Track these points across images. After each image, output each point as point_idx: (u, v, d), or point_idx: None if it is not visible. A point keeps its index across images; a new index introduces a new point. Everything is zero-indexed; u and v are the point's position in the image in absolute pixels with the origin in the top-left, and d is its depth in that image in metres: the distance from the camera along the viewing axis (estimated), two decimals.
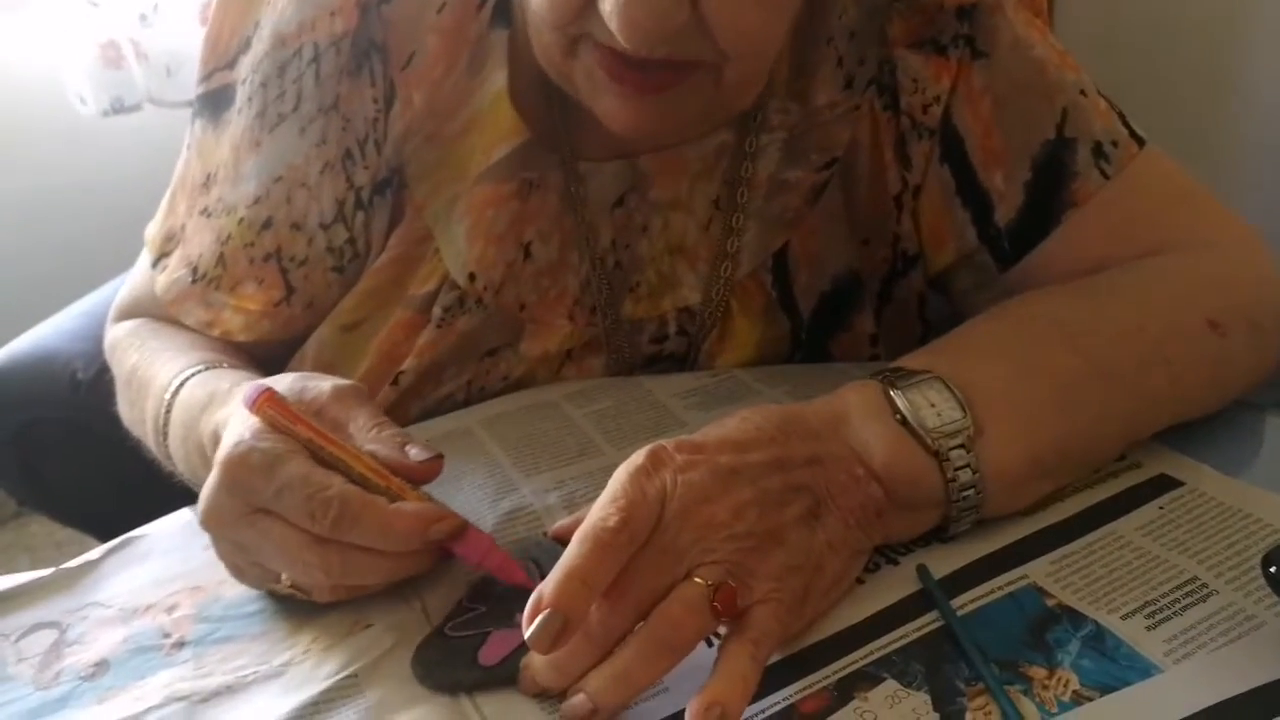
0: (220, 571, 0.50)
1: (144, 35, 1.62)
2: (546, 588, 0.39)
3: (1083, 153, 0.60)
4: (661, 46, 0.49)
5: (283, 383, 0.50)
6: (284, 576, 0.46)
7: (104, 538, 0.56)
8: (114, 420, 0.71)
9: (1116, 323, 0.53)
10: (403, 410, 0.64)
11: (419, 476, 0.48)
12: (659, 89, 0.53)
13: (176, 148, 0.68)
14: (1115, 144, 0.60)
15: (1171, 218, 0.60)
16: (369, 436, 0.49)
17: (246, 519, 0.45)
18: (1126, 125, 0.61)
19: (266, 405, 0.47)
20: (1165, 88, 1.53)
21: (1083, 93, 0.61)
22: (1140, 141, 0.61)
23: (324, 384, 0.51)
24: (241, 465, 0.45)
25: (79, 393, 0.93)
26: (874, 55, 0.63)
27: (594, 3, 0.49)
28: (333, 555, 0.45)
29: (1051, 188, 0.61)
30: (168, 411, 0.60)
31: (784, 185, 0.65)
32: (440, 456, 0.49)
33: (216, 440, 0.51)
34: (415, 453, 0.48)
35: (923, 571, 0.46)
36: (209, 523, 0.46)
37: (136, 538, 0.55)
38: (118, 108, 1.63)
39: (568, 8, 0.50)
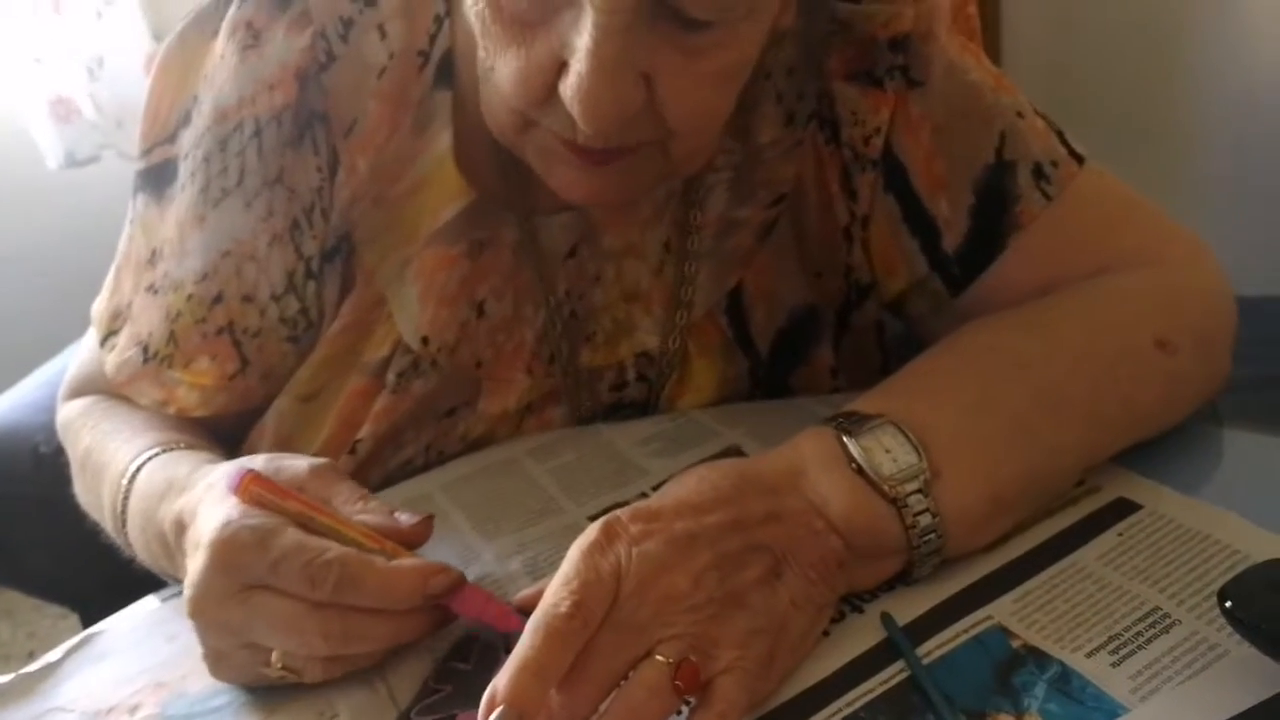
0: (184, 666, 0.50)
1: (93, 88, 1.61)
2: (500, 682, 0.39)
3: (1023, 175, 0.60)
4: (617, 137, 0.50)
5: (256, 463, 0.50)
6: (275, 657, 0.46)
7: (75, 606, 0.55)
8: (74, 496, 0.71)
9: (1066, 350, 0.53)
10: (363, 478, 0.63)
11: (411, 540, 0.49)
12: (611, 160, 0.53)
13: None
14: (1055, 164, 0.60)
15: (1116, 235, 0.61)
16: (355, 509, 0.50)
17: (238, 598, 0.45)
18: (1065, 144, 0.61)
19: (252, 484, 0.47)
20: (1113, 99, 1.54)
21: (1020, 114, 0.61)
22: (1080, 159, 0.61)
23: (299, 463, 0.51)
24: (232, 544, 0.45)
25: (42, 467, 0.92)
26: (812, 89, 0.63)
27: (554, 89, 0.49)
28: (333, 621, 0.45)
29: (995, 212, 0.61)
30: (125, 499, 0.59)
31: (733, 224, 0.65)
32: (430, 518, 0.50)
33: (179, 527, 0.51)
34: (405, 518, 0.49)
35: (888, 620, 0.46)
36: (198, 608, 0.46)
37: (97, 634, 0.54)
38: (71, 161, 1.62)
39: (532, 94, 0.50)
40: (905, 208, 0.63)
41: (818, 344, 0.67)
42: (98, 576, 0.74)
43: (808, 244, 0.66)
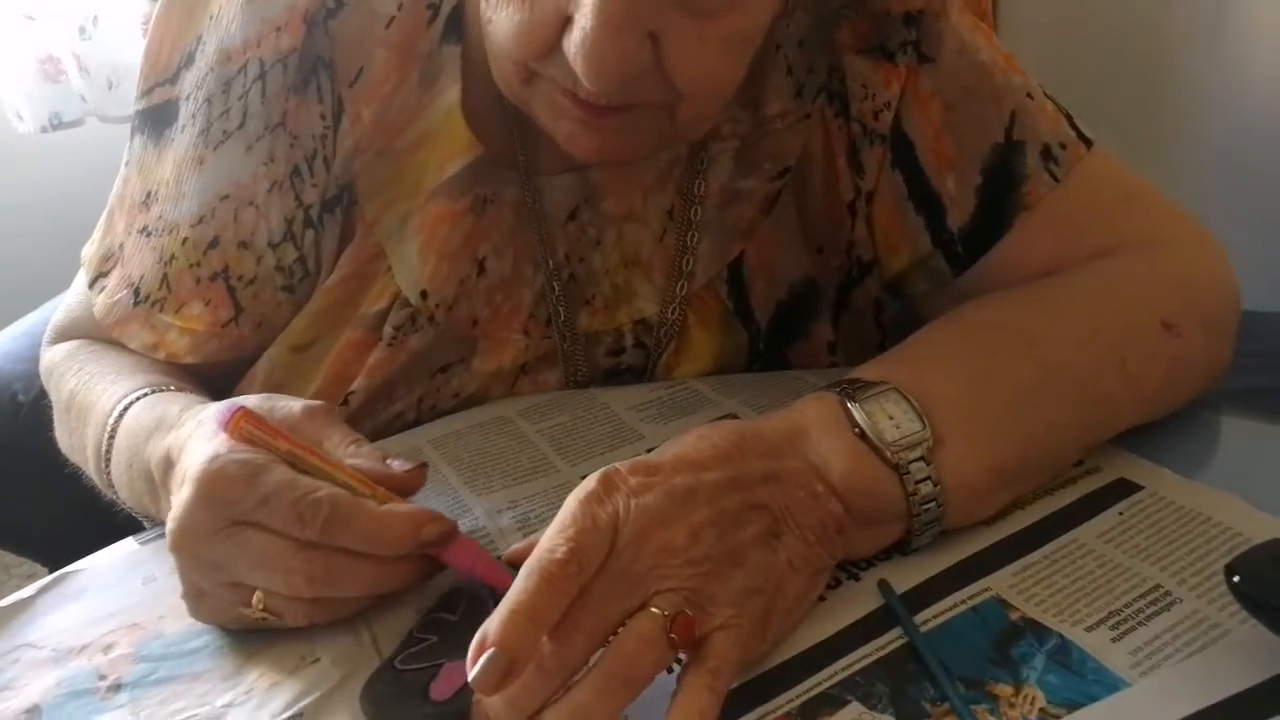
0: (160, 607, 0.49)
1: (84, 48, 1.59)
2: (491, 625, 0.37)
3: (1031, 156, 0.60)
4: (619, 94, 0.49)
5: (250, 403, 0.49)
6: (256, 597, 0.45)
7: (47, 562, 0.54)
8: (53, 446, 0.69)
9: (1071, 327, 0.53)
10: (353, 429, 0.62)
11: (404, 486, 0.48)
12: (615, 114, 0.52)
13: (118, 164, 0.66)
14: (1063, 146, 0.60)
15: (1122, 218, 0.60)
16: (347, 453, 0.48)
17: (223, 533, 0.44)
18: (1074, 127, 0.61)
19: (244, 421, 0.46)
20: (1110, 85, 1.55)
21: (1029, 96, 0.61)
22: (1088, 143, 0.61)
23: (294, 404, 0.50)
24: (219, 478, 0.44)
25: (20, 415, 0.91)
26: (823, 63, 0.63)
27: (557, 43, 0.49)
28: (318, 561, 0.43)
29: (1002, 191, 0.60)
30: (111, 437, 0.57)
31: (737, 195, 0.64)
32: (424, 465, 0.49)
33: (167, 464, 0.50)
34: (398, 464, 0.48)
35: (885, 587, 0.45)
36: (181, 542, 0.44)
37: (72, 573, 0.53)
38: (56, 123, 1.60)
39: (533, 46, 0.50)
40: (911, 184, 0.63)
41: (817, 319, 0.67)
42: (71, 529, 0.73)
43: (811, 218, 0.65)
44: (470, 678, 0.37)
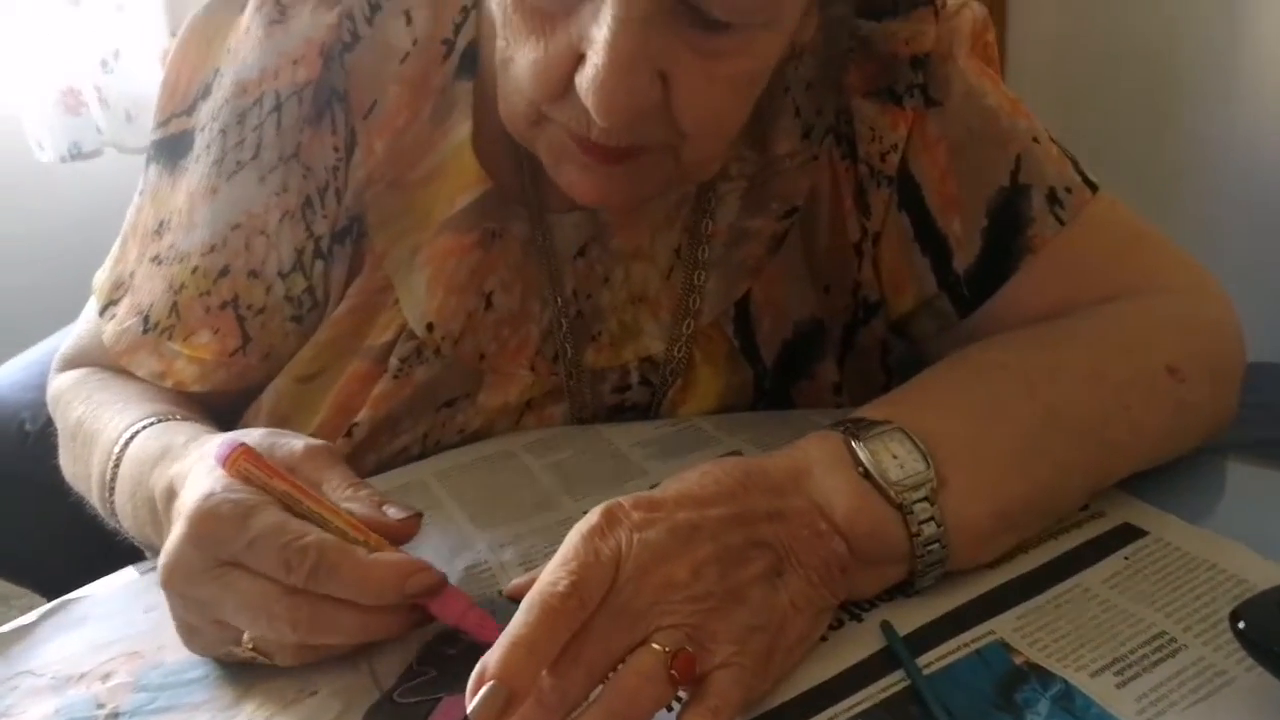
0: (161, 637, 0.48)
1: (105, 81, 1.61)
2: (491, 658, 0.37)
3: (1037, 199, 0.60)
4: (628, 134, 0.50)
5: (252, 438, 0.49)
6: (245, 637, 0.44)
7: (45, 593, 0.54)
8: (59, 475, 0.69)
9: (1076, 371, 0.53)
10: (357, 463, 0.62)
11: (397, 535, 0.47)
12: (619, 160, 0.53)
13: (134, 194, 0.66)
14: (1069, 190, 0.60)
15: (1128, 262, 0.61)
16: (344, 495, 0.48)
17: (212, 573, 0.43)
18: (1079, 171, 0.62)
19: (243, 459, 0.45)
20: (1117, 132, 1.56)
21: (1035, 140, 0.62)
22: (1093, 187, 0.61)
23: (295, 442, 0.50)
24: (211, 517, 0.44)
25: (26, 443, 0.91)
26: (831, 105, 0.63)
27: (571, 83, 0.49)
28: (303, 608, 0.43)
29: (1008, 234, 0.61)
30: (115, 465, 0.58)
31: (745, 234, 0.64)
32: (419, 515, 0.48)
33: (170, 495, 0.50)
34: (393, 511, 0.47)
35: (887, 629, 0.45)
36: (171, 578, 0.44)
37: (74, 600, 0.53)
38: (75, 153, 1.62)
39: (548, 84, 0.50)
40: (917, 226, 0.63)
41: (822, 359, 0.67)
42: (70, 561, 0.73)
43: (818, 258, 0.66)
44: (469, 710, 0.37)
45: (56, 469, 0.70)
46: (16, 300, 1.61)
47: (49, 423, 0.77)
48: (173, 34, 1.59)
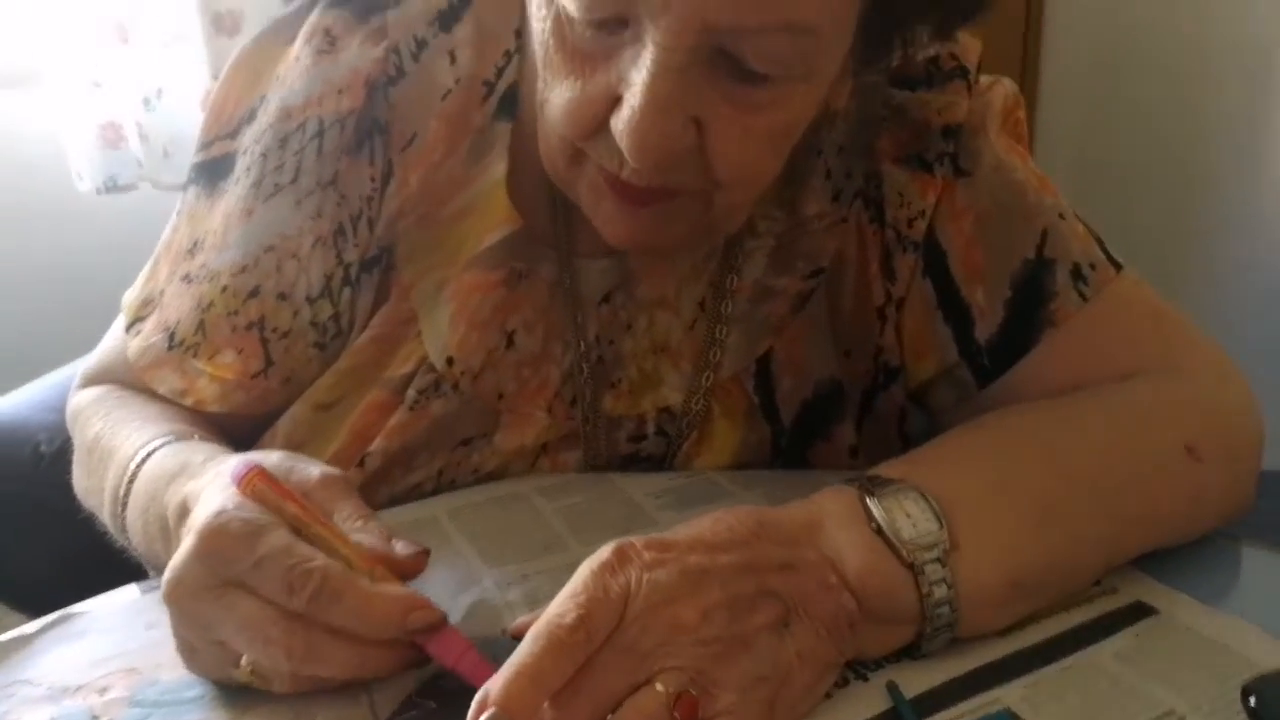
0: (160, 655, 0.48)
1: (146, 118, 1.65)
2: (494, 685, 0.37)
3: (1061, 274, 0.61)
4: (659, 175, 0.51)
5: (269, 460, 0.49)
6: (244, 660, 0.44)
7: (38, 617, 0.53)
8: (73, 496, 0.69)
9: (1095, 442, 0.53)
10: (371, 496, 0.62)
11: (404, 569, 0.47)
12: (654, 202, 0.54)
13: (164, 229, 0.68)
14: (1093, 267, 0.61)
15: (1149, 341, 0.61)
16: (354, 526, 0.48)
17: (215, 591, 0.43)
18: (1104, 250, 0.62)
19: (257, 479, 0.46)
20: (1143, 214, 1.57)
21: (1061, 216, 0.62)
22: (1117, 266, 0.62)
23: (312, 469, 0.50)
24: (221, 534, 0.44)
25: (40, 465, 0.91)
26: (861, 169, 0.64)
27: (605, 123, 0.51)
28: (300, 635, 0.43)
29: (1031, 306, 0.61)
30: (130, 481, 0.58)
31: (769, 291, 0.65)
32: (426, 552, 0.48)
33: (183, 512, 0.50)
34: (401, 547, 0.47)
35: (893, 689, 0.44)
36: (174, 593, 0.44)
37: (75, 614, 0.53)
38: (111, 186, 1.65)
39: (582, 123, 0.51)
40: (941, 294, 0.63)
41: (840, 421, 0.67)
42: (71, 587, 0.73)
43: (841, 320, 0.66)
44: None
45: (68, 493, 0.70)
46: (46, 324, 1.62)
47: (65, 446, 0.77)
48: (214, 76, 1.62)
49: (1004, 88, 0.67)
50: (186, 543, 0.44)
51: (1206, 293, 1.50)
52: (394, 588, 0.45)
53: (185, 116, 1.65)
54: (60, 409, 0.92)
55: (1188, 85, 1.56)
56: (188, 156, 0.68)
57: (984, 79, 0.66)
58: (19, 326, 1.68)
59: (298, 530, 0.45)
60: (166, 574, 0.44)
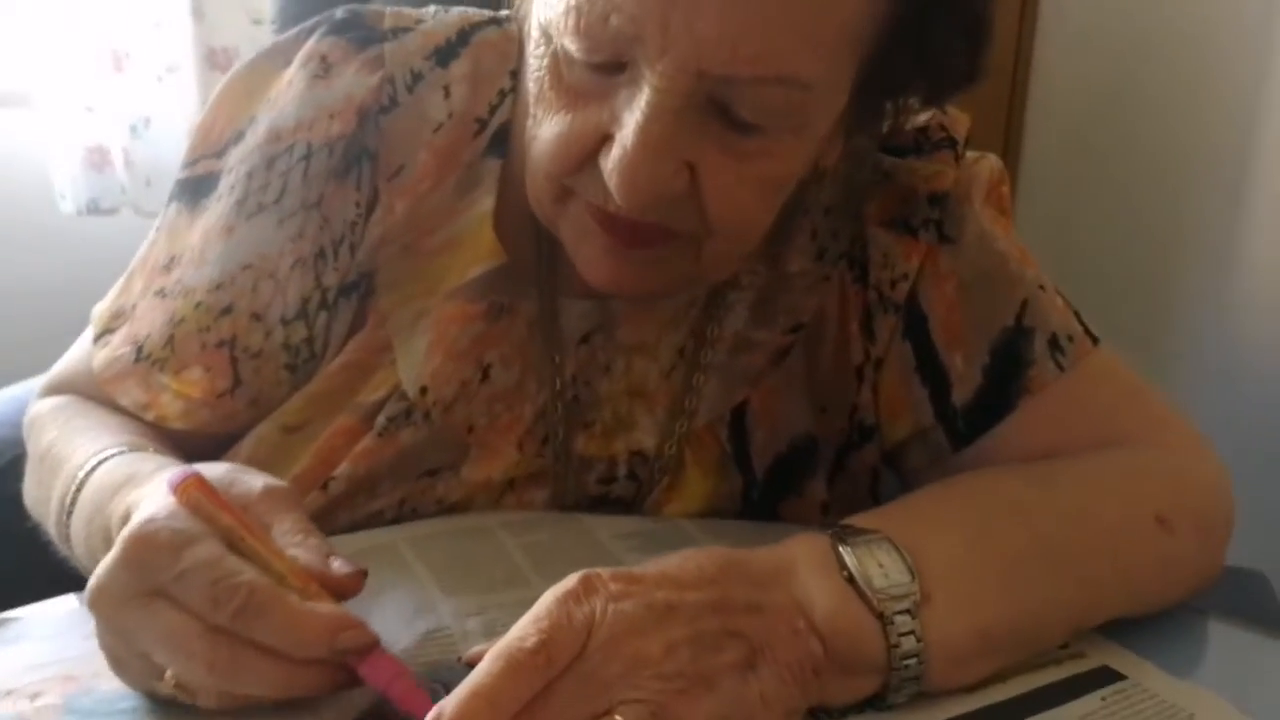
0: (98, 664, 0.46)
1: (133, 145, 1.65)
2: (449, 703, 0.36)
3: (1039, 343, 0.61)
4: (652, 212, 0.51)
5: (214, 472, 0.47)
6: (168, 674, 0.42)
7: None
8: (18, 514, 0.67)
9: (1067, 507, 0.53)
10: (330, 520, 0.61)
11: (340, 589, 0.44)
12: (642, 245, 0.54)
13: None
14: (1070, 339, 0.62)
15: (1123, 414, 0.61)
16: (292, 541, 0.46)
17: (138, 600, 0.41)
18: (1082, 324, 0.63)
19: (193, 488, 0.44)
20: (1120, 290, 1.60)
21: (1042, 288, 0.63)
22: (1094, 340, 0.62)
23: (255, 481, 0.48)
24: (147, 542, 0.42)
25: None
26: (847, 231, 0.65)
27: (591, 160, 0.51)
28: (223, 650, 0.40)
29: (1008, 374, 0.61)
30: (78, 489, 0.56)
31: (749, 343, 0.65)
32: (364, 572, 0.46)
33: (125, 520, 0.48)
34: (338, 565, 0.45)
35: None
36: (97, 600, 0.42)
37: (11, 619, 0.51)
38: (93, 208, 1.65)
39: (569, 159, 0.52)
40: (920, 356, 0.64)
41: (813, 478, 0.66)
42: (13, 603, 0.70)
43: (818, 376, 0.66)
44: None
45: (11, 509, 0.68)
46: (17, 340, 1.59)
47: (15, 461, 0.75)
48: (203, 107, 1.64)
49: (990, 162, 0.68)
50: (114, 550, 0.43)
51: (1181, 370, 1.52)
52: (326, 606, 0.42)
53: (171, 146, 1.66)
54: (12, 423, 0.90)
55: (1168, 169, 1.61)
56: (168, 185, 0.67)
57: (971, 154, 0.67)
58: None
59: (232, 543, 0.43)
60: (91, 580, 0.43)
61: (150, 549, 0.42)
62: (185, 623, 0.41)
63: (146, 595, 0.41)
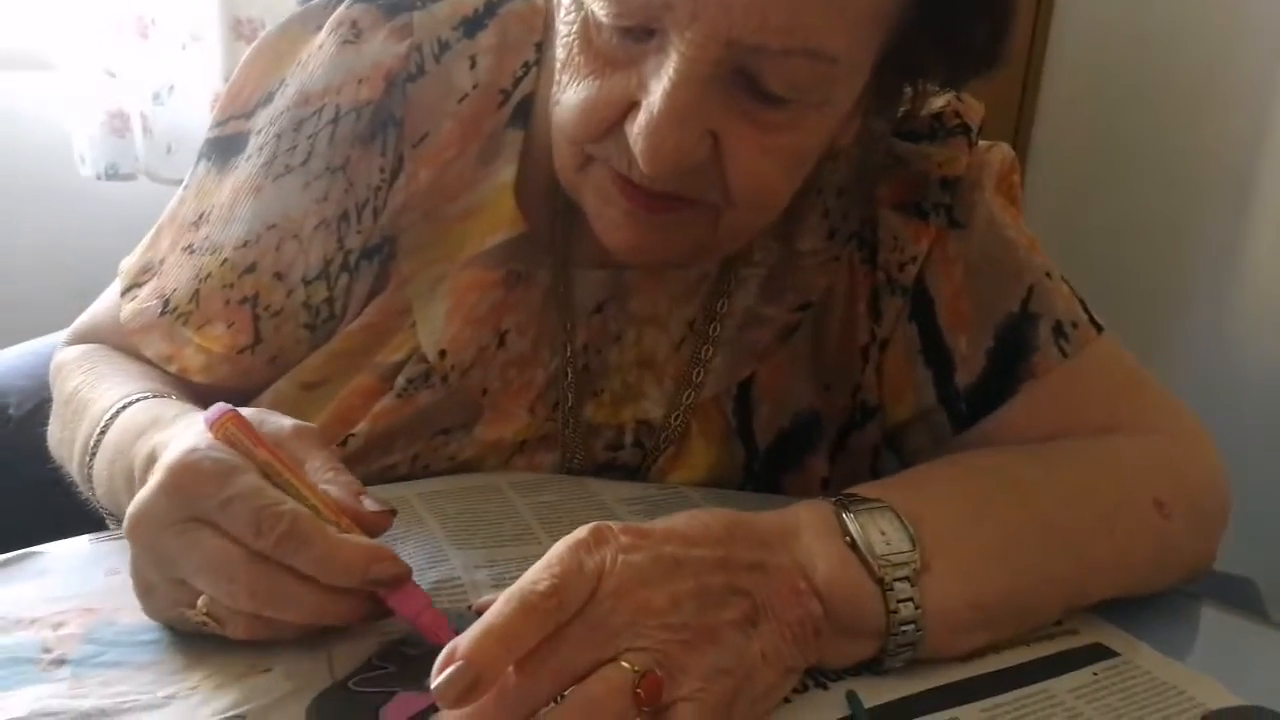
0: (119, 599, 0.48)
1: (154, 111, 1.66)
2: (462, 641, 0.37)
3: (1044, 329, 0.62)
4: (674, 180, 0.52)
5: (244, 411, 0.49)
6: (200, 601, 0.43)
7: None
8: (38, 462, 0.68)
9: (1066, 487, 0.54)
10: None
11: (370, 525, 0.46)
12: (661, 210, 0.55)
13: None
14: (1075, 326, 0.63)
15: (1124, 401, 0.62)
16: (324, 477, 0.47)
17: (179, 526, 0.43)
18: (1086, 311, 0.64)
19: (230, 423, 0.46)
20: (1127, 280, 1.60)
21: (1048, 275, 0.64)
22: (1099, 328, 0.63)
23: (285, 421, 0.50)
24: (191, 470, 0.43)
25: (7, 428, 0.90)
26: (858, 213, 0.66)
27: (617, 127, 0.52)
28: (263, 577, 0.42)
29: (1012, 358, 0.62)
30: (102, 432, 0.57)
31: (758, 319, 0.66)
32: (393, 511, 0.48)
33: (150, 462, 0.49)
34: (369, 503, 0.47)
35: (853, 698, 0.44)
36: (137, 527, 0.43)
37: (36, 553, 0.52)
38: (111, 173, 1.66)
39: (594, 124, 0.53)
40: (925, 339, 0.65)
41: (814, 453, 0.68)
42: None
43: (824, 354, 0.67)
44: (433, 685, 0.36)
45: (32, 458, 0.69)
46: (38, 299, 1.60)
47: (34, 410, 0.77)
48: (226, 78, 1.64)
49: (1002, 151, 0.69)
50: (154, 477, 0.44)
51: (1180, 366, 1.53)
52: (359, 538, 0.45)
53: (193, 115, 1.67)
54: (31, 375, 0.92)
55: (1177, 163, 1.61)
56: (190, 153, 0.68)
57: (983, 143, 0.68)
58: (10, 300, 1.67)
59: (267, 476, 0.45)
60: (130, 508, 0.44)
61: (195, 476, 0.43)
62: (228, 549, 0.42)
63: (188, 521, 0.43)
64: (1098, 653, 0.50)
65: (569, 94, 0.53)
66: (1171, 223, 1.62)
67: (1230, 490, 0.60)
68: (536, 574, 0.39)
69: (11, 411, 0.92)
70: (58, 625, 0.46)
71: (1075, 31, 1.76)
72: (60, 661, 0.44)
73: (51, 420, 0.67)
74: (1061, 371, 0.62)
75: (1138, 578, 0.54)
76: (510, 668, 0.38)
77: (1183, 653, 0.51)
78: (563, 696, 0.38)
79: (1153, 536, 0.54)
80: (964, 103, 0.67)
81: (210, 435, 0.46)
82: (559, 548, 0.41)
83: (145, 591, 0.45)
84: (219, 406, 0.47)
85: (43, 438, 0.69)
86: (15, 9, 1.68)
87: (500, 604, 0.38)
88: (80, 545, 0.53)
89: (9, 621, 0.46)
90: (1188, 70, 1.60)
